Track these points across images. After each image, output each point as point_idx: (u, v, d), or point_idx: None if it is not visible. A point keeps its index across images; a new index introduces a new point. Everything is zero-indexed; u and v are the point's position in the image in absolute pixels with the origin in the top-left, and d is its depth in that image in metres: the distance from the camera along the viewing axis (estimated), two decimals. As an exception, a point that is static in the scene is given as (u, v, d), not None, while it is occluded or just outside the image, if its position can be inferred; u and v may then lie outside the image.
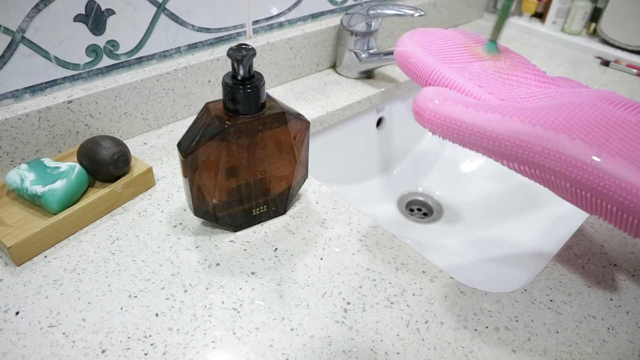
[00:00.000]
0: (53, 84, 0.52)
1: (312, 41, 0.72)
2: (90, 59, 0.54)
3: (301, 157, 0.46)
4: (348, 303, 0.40)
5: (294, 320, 0.38)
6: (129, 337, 0.36)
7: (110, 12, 0.53)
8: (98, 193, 0.46)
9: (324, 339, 0.37)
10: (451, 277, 0.42)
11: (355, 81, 0.74)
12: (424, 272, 0.43)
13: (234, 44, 0.66)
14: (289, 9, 0.70)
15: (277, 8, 0.68)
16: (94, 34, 0.53)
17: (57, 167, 0.45)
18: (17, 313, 0.38)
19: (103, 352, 0.35)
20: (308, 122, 0.44)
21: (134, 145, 0.57)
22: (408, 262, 0.44)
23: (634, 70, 0.83)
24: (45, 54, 0.50)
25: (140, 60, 0.58)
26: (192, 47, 0.62)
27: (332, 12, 0.76)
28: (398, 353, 0.36)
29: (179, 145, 0.41)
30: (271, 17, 0.68)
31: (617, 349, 0.37)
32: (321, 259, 0.44)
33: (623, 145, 0.32)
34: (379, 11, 0.66)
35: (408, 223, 0.71)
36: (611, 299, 0.41)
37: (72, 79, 0.53)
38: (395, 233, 0.50)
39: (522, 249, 0.62)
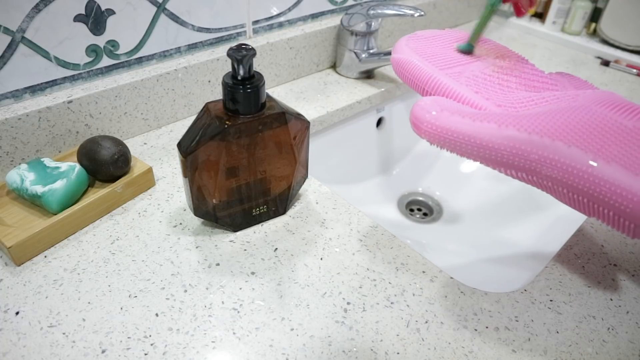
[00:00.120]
0: (53, 84, 0.52)
1: (312, 41, 0.72)
2: (90, 59, 0.54)
3: (301, 157, 0.46)
4: (348, 303, 0.40)
5: (294, 320, 0.38)
6: (129, 337, 0.36)
7: (110, 12, 0.53)
8: (98, 193, 0.46)
9: (324, 339, 0.37)
10: (451, 277, 0.42)
11: (355, 81, 0.74)
12: (424, 272, 0.43)
13: (234, 44, 0.66)
14: (289, 9, 0.70)
15: (277, 8, 0.68)
16: (94, 34, 0.53)
17: (57, 167, 0.45)
18: (17, 313, 0.38)
19: (103, 352, 0.35)
20: (308, 122, 0.44)
21: (134, 145, 0.57)
22: (408, 262, 0.44)
23: (634, 70, 0.83)
24: (45, 54, 0.50)
25: (140, 60, 0.58)
26: (192, 47, 0.62)
27: (332, 12, 0.76)
28: (398, 353, 0.36)
29: (179, 145, 0.41)
30: (271, 17, 0.68)
31: (617, 349, 0.37)
32: (321, 259, 0.44)
33: (618, 151, 0.32)
34: (379, 11, 0.66)
35: (408, 223, 0.71)
36: (611, 299, 0.41)
37: (72, 79, 0.53)
38: (395, 233, 0.50)
39: (522, 249, 0.62)
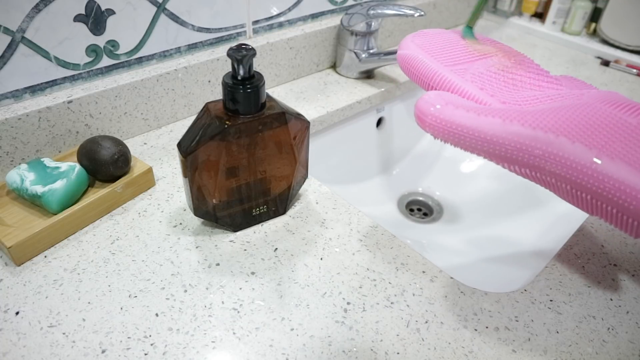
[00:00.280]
0: (53, 84, 0.52)
1: (312, 41, 0.72)
2: (90, 59, 0.54)
3: (301, 157, 0.46)
4: (348, 303, 0.40)
5: (294, 320, 0.38)
6: (129, 337, 0.36)
7: (110, 12, 0.53)
8: (98, 193, 0.46)
9: (324, 339, 0.37)
10: (451, 277, 0.42)
11: (355, 81, 0.74)
12: (424, 272, 0.43)
13: (234, 44, 0.66)
14: (289, 9, 0.70)
15: (277, 8, 0.68)
16: (94, 34, 0.53)
17: (57, 167, 0.45)
18: (17, 313, 0.38)
19: (103, 352, 0.35)
20: (308, 122, 0.44)
21: (134, 145, 0.57)
22: (408, 262, 0.44)
23: (634, 70, 0.83)
24: (45, 54, 0.50)
25: (140, 60, 0.58)
26: (192, 47, 0.62)
27: (332, 12, 0.76)
28: (398, 353, 0.36)
29: (179, 145, 0.41)
30: (271, 17, 0.68)
31: (617, 349, 0.37)
32: (321, 259, 0.44)
33: (622, 148, 0.32)
34: (379, 11, 0.66)
35: (408, 223, 0.71)
36: (611, 299, 0.41)
37: (72, 79, 0.53)
38: (395, 233, 0.50)
39: (522, 249, 0.62)
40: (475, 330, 0.38)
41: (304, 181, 0.50)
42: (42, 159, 0.47)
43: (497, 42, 0.53)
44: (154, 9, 0.56)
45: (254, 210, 0.46)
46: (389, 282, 0.42)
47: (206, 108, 0.41)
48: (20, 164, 0.50)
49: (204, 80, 0.62)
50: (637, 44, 0.87)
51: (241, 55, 0.38)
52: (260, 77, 0.40)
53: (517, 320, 0.39)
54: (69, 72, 0.53)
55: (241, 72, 0.39)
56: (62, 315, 0.38)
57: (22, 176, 0.44)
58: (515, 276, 0.51)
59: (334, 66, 0.78)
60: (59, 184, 0.44)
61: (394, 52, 0.69)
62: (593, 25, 0.94)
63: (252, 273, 0.42)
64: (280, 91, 0.71)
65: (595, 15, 0.94)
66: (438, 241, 0.67)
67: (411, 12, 0.64)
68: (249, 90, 0.39)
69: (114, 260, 0.42)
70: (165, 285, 0.40)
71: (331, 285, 0.41)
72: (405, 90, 0.77)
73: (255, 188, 0.45)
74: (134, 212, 0.48)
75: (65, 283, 0.40)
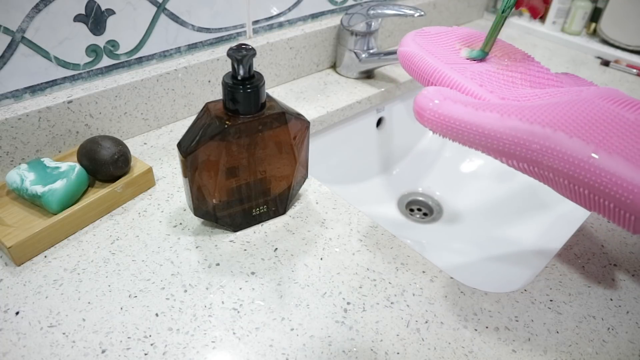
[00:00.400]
0: (53, 84, 0.52)
1: (312, 41, 0.72)
2: (90, 59, 0.54)
3: (301, 157, 0.46)
4: (348, 303, 0.40)
5: (294, 320, 0.38)
6: (129, 337, 0.36)
7: (110, 12, 0.53)
8: (98, 193, 0.46)
9: (324, 339, 0.37)
10: (451, 277, 0.42)
11: (355, 81, 0.74)
12: (424, 272, 0.43)
13: (234, 44, 0.66)
14: (289, 9, 0.70)
15: (277, 8, 0.68)
16: (94, 34, 0.53)
17: (57, 167, 0.45)
18: (17, 313, 0.38)
19: (103, 352, 0.35)
20: (308, 122, 0.44)
21: (134, 145, 0.57)
22: (408, 262, 0.44)
23: (634, 70, 0.83)
24: (45, 54, 0.50)
25: (140, 60, 0.58)
26: (192, 47, 0.62)
27: (332, 12, 0.76)
28: (398, 353, 0.36)
29: (179, 145, 0.41)
30: (271, 17, 0.68)
31: (617, 349, 0.37)
32: (321, 259, 0.44)
33: (620, 143, 0.32)
34: (379, 11, 0.66)
35: (408, 223, 0.71)
36: (611, 299, 0.41)
37: (72, 79, 0.53)
38: (395, 233, 0.50)
39: (522, 249, 0.62)
40: (475, 330, 0.38)
41: (304, 181, 0.50)
42: (42, 159, 0.47)
43: (499, 40, 0.53)
44: (154, 9, 0.56)
45: (254, 210, 0.46)
46: (389, 282, 0.42)
47: (206, 108, 0.41)
48: (20, 164, 0.50)
49: (204, 80, 0.62)
50: (637, 44, 0.87)
51: (241, 55, 0.38)
52: (260, 77, 0.40)
53: (517, 320, 0.39)
54: (69, 72, 0.53)
55: (241, 72, 0.39)
56: (62, 315, 0.38)
57: (22, 176, 0.44)
58: (515, 276, 0.51)
59: (334, 66, 0.78)
60: (59, 184, 0.44)
61: (394, 52, 0.69)
62: (593, 25, 0.94)
63: (252, 273, 0.42)
64: (280, 91, 0.71)
65: (595, 15, 0.94)
66: (438, 241, 0.67)
67: (411, 12, 0.64)
68: (249, 90, 0.39)
69: (114, 260, 0.42)
70: (165, 285, 0.40)
71: (331, 285, 0.41)
72: (405, 90, 0.77)
73: (255, 188, 0.45)
74: (134, 212, 0.48)
75: (65, 283, 0.40)
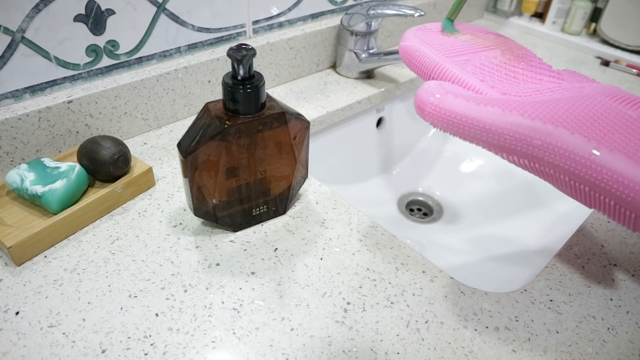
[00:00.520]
0: (53, 84, 0.52)
1: (312, 41, 0.72)
2: (90, 59, 0.54)
3: (301, 157, 0.46)
4: (348, 303, 0.40)
5: (294, 320, 0.38)
6: (129, 337, 0.36)
7: (110, 12, 0.53)
8: (98, 193, 0.46)
9: (324, 339, 0.37)
10: (451, 277, 0.42)
11: (355, 81, 0.74)
12: (424, 272, 0.43)
13: (234, 44, 0.66)
14: (289, 9, 0.70)
15: (277, 8, 0.68)
16: (94, 34, 0.53)
17: (57, 167, 0.45)
18: (17, 313, 0.38)
19: (103, 352, 0.35)
20: (308, 122, 0.44)
21: (134, 145, 0.57)
22: (408, 262, 0.44)
23: (634, 70, 0.83)
24: (45, 54, 0.50)
25: (140, 60, 0.58)
26: (192, 47, 0.62)
27: (332, 12, 0.76)
28: (398, 353, 0.36)
29: (179, 145, 0.41)
30: (271, 17, 0.68)
31: (617, 349, 0.37)
32: (321, 259, 0.44)
33: (622, 140, 0.32)
34: (379, 11, 0.66)
35: (408, 223, 0.71)
36: (611, 299, 0.41)
37: (72, 79, 0.53)
38: (395, 233, 0.50)
39: (522, 249, 0.62)
40: (475, 330, 0.38)
41: (304, 181, 0.50)
42: (42, 159, 0.47)
43: (500, 36, 0.53)
44: (154, 9, 0.56)
45: (254, 210, 0.46)
46: (389, 282, 0.42)
47: (206, 108, 0.41)
48: (20, 164, 0.50)
49: (204, 80, 0.62)
50: (637, 44, 0.87)
51: (241, 55, 0.38)
52: (260, 77, 0.40)
53: (517, 320, 0.39)
54: (69, 72, 0.53)
55: (241, 72, 0.39)
56: (62, 315, 0.38)
57: (22, 176, 0.44)
58: (515, 276, 0.51)
59: (334, 66, 0.78)
60: (59, 184, 0.43)
61: (394, 52, 0.69)
62: (593, 25, 0.94)
63: (252, 273, 0.42)
64: (280, 91, 0.71)
65: (595, 15, 0.94)
66: (438, 241, 0.67)
67: (411, 12, 0.64)
68: (249, 90, 0.39)
69: (114, 260, 0.42)
70: (165, 285, 0.40)
71: (331, 285, 0.41)
72: (405, 90, 0.77)
73: (255, 188, 0.45)
74: (134, 212, 0.48)
75: (65, 283, 0.40)
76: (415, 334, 0.37)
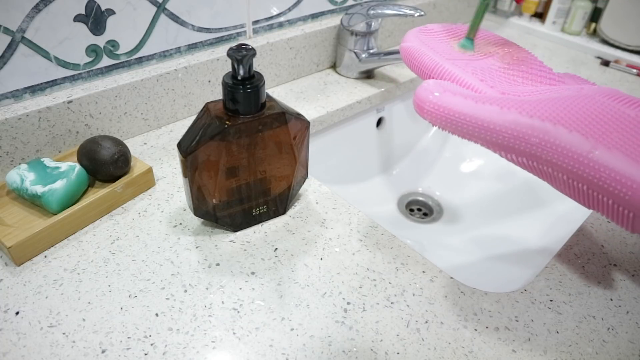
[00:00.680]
0: (53, 84, 0.52)
1: (312, 41, 0.72)
2: (90, 59, 0.54)
3: (301, 157, 0.46)
4: (348, 303, 0.40)
5: (294, 320, 0.38)
6: (129, 337, 0.36)
7: (110, 12, 0.53)
8: (98, 193, 0.46)
9: (324, 339, 0.37)
10: (451, 277, 0.42)
11: (355, 81, 0.74)
12: (424, 272, 0.43)
13: (234, 44, 0.66)
14: (289, 9, 0.70)
15: (277, 8, 0.68)
16: (94, 34, 0.53)
17: (57, 167, 0.45)
18: (17, 313, 0.38)
19: (103, 352, 0.35)
20: (308, 122, 0.44)
21: (134, 145, 0.57)
22: (408, 262, 0.44)
23: (634, 70, 0.83)
24: (45, 54, 0.50)
25: (140, 60, 0.58)
26: (192, 47, 0.62)
27: (332, 12, 0.76)
28: (398, 353, 0.36)
29: (179, 145, 0.41)
30: (271, 17, 0.68)
31: (617, 349, 0.37)
32: (321, 259, 0.44)
33: (620, 139, 0.32)
34: (379, 11, 0.66)
35: (408, 223, 0.71)
36: (611, 299, 0.41)
37: (72, 79, 0.53)
38: (395, 233, 0.50)
39: (521, 249, 0.62)
40: (475, 330, 0.38)
41: (304, 181, 0.50)
42: (42, 159, 0.47)
43: (500, 38, 0.53)
44: (154, 9, 0.56)
45: (254, 210, 0.46)
46: (389, 282, 0.42)
47: (206, 108, 0.41)
48: (20, 164, 0.50)
49: (204, 80, 0.62)
50: (637, 44, 0.87)
51: (241, 55, 0.38)
52: (260, 77, 0.40)
53: (517, 320, 0.39)
54: (69, 72, 0.53)
55: (241, 72, 0.39)
56: (62, 315, 0.38)
57: (22, 176, 0.44)
58: (515, 276, 0.51)
59: (334, 66, 0.78)
60: (59, 184, 0.44)
61: (394, 52, 0.69)
62: (593, 25, 0.94)
63: (252, 273, 0.42)
64: (280, 91, 0.71)
65: (595, 15, 0.94)
66: (438, 241, 0.67)
67: (411, 12, 0.64)
68: (249, 90, 0.39)
69: (114, 260, 0.42)
70: (165, 285, 0.40)
71: (331, 285, 0.41)
72: (405, 90, 0.77)
73: (255, 188, 0.45)
74: (134, 212, 0.48)
75: (65, 283, 0.40)
76: (415, 334, 0.37)
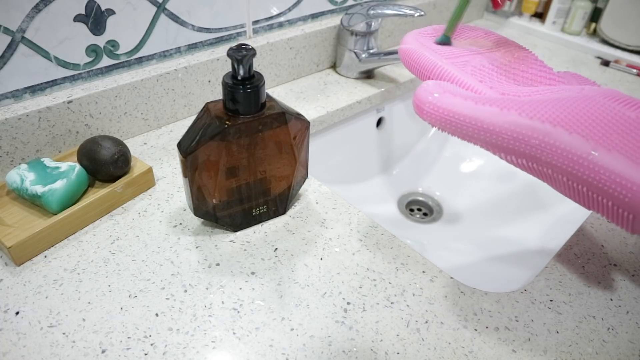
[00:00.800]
0: (53, 84, 0.52)
1: (312, 41, 0.72)
2: (90, 59, 0.54)
3: (301, 157, 0.46)
4: (348, 303, 0.40)
5: (294, 320, 0.38)
6: (129, 337, 0.36)
7: (110, 12, 0.53)
8: (98, 193, 0.46)
9: (324, 339, 0.37)
10: (451, 277, 0.42)
11: (355, 81, 0.74)
12: (424, 272, 0.43)
13: (234, 44, 0.66)
14: (289, 9, 0.70)
15: (277, 8, 0.68)
16: (94, 34, 0.53)
17: (57, 167, 0.45)
18: (17, 313, 0.38)
19: (103, 352, 0.35)
20: (308, 122, 0.44)
21: (134, 145, 0.57)
22: (408, 262, 0.44)
23: (634, 70, 0.83)
24: (45, 54, 0.50)
25: (140, 60, 0.58)
26: (192, 47, 0.62)
27: (332, 12, 0.76)
28: (398, 353, 0.36)
29: (179, 145, 0.41)
30: (271, 17, 0.68)
31: (617, 349, 0.37)
32: (321, 259, 0.44)
33: (620, 140, 0.32)
34: (379, 11, 0.66)
35: (408, 223, 0.71)
36: (611, 299, 0.41)
37: (72, 79, 0.53)
38: (395, 233, 0.50)
39: (522, 249, 0.62)
40: (475, 330, 0.38)
41: (304, 181, 0.50)
42: (42, 159, 0.47)
43: (501, 37, 0.53)
44: (154, 9, 0.56)
45: (254, 210, 0.46)
46: (389, 282, 0.42)
47: (206, 108, 0.41)
48: (20, 164, 0.50)
49: (204, 80, 0.62)
50: (637, 44, 0.87)
51: (241, 55, 0.38)
52: (260, 77, 0.40)
53: (517, 320, 0.39)
54: (69, 72, 0.53)
55: (241, 72, 0.39)
56: (62, 315, 0.38)
57: (22, 176, 0.44)
58: (515, 276, 0.51)
59: (334, 66, 0.78)
60: (59, 184, 0.44)
61: (394, 52, 0.69)
62: (593, 25, 0.94)
63: (252, 273, 0.42)
64: (280, 91, 0.71)
65: (595, 15, 0.94)
66: (438, 241, 0.67)
67: (411, 12, 0.64)
68: (249, 90, 0.39)
69: (114, 260, 0.42)
70: (165, 285, 0.40)
71: (331, 285, 0.41)
72: (405, 90, 0.77)
73: (255, 188, 0.45)
74: (134, 212, 0.48)
75: (65, 283, 0.40)
76: (415, 334, 0.37)
